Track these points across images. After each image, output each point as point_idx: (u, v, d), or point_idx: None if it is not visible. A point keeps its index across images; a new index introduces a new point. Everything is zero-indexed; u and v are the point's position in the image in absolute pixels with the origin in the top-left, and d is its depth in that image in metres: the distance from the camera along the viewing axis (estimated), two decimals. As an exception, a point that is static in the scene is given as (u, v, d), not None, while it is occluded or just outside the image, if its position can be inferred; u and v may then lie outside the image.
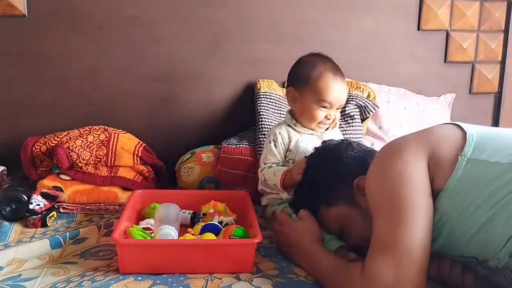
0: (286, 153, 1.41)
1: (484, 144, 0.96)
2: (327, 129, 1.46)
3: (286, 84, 1.48)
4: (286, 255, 1.16)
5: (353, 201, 1.12)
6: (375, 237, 0.95)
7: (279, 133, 1.41)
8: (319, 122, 1.40)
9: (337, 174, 1.16)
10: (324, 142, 1.32)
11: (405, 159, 0.97)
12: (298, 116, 1.43)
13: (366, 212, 1.04)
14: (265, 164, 1.40)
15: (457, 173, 0.94)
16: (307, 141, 1.41)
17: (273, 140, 1.41)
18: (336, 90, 1.37)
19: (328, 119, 1.40)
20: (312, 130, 1.43)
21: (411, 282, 0.88)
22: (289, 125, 1.44)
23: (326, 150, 1.26)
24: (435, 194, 0.96)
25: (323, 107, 1.38)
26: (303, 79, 1.39)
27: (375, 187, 1.00)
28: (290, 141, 1.41)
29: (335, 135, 1.48)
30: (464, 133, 0.99)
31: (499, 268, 0.91)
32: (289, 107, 1.49)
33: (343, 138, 1.51)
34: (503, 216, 0.88)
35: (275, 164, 1.39)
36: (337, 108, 1.41)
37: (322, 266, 1.05)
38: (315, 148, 1.31)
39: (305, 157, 1.32)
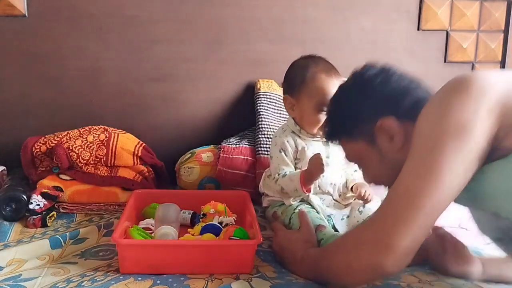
0: (294, 161, 1.39)
1: None
2: None
3: (282, 91, 1.45)
4: (283, 266, 1.12)
5: (373, 142, 1.03)
6: (396, 182, 0.89)
7: (287, 141, 1.37)
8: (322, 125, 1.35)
9: (362, 109, 1.05)
10: (365, 66, 1.11)
11: (476, 108, 0.82)
12: (299, 122, 1.39)
13: (385, 156, 1.00)
14: (279, 174, 1.36)
15: None
16: (313, 148, 1.37)
17: (282, 149, 1.37)
18: (333, 90, 1.29)
19: None
20: (316, 135, 1.38)
21: (403, 241, 0.84)
22: (293, 132, 1.40)
23: (360, 80, 1.09)
24: (497, 155, 0.84)
25: (323, 110, 1.33)
26: (297, 85, 1.36)
27: (425, 122, 0.89)
28: (297, 150, 1.38)
29: None
30: None
31: None
32: None
33: None
34: None
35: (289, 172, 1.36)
36: None
37: (320, 258, 1.01)
38: (353, 73, 1.12)
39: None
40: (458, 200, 0.91)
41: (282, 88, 1.45)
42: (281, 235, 1.19)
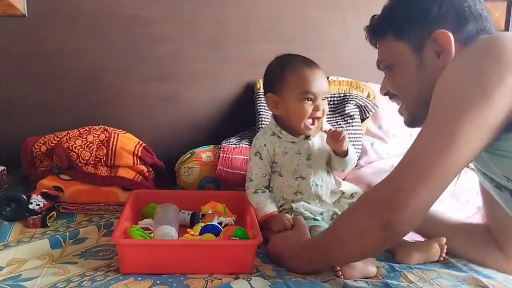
0: (272, 164, 1.36)
1: None
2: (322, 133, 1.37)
3: (263, 92, 1.42)
4: (279, 265, 1.11)
5: (420, 49, 0.99)
6: (412, 143, 0.90)
7: (264, 145, 1.35)
8: (309, 118, 1.32)
9: (427, 12, 0.98)
10: None
11: (503, 76, 0.80)
12: (286, 119, 1.35)
13: (423, 70, 0.98)
14: (250, 180, 1.35)
15: None
16: (292, 153, 1.34)
17: (258, 152, 1.35)
18: (315, 78, 1.30)
19: (317, 110, 1.30)
20: (303, 133, 1.35)
21: (413, 202, 0.85)
22: (273, 133, 1.37)
23: None
24: None
25: (308, 99, 1.29)
26: (278, 80, 1.33)
27: (447, 83, 0.87)
28: (275, 153, 1.35)
29: (322, 141, 1.38)
30: None
31: None
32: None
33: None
34: None
35: (262, 175, 1.35)
36: (323, 99, 1.33)
37: (323, 238, 1.01)
38: None
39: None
40: (479, 164, 0.94)
41: (263, 90, 1.42)
42: (276, 235, 1.19)
